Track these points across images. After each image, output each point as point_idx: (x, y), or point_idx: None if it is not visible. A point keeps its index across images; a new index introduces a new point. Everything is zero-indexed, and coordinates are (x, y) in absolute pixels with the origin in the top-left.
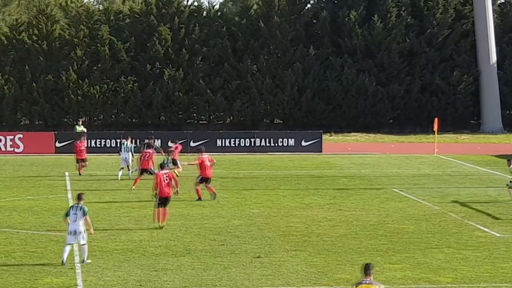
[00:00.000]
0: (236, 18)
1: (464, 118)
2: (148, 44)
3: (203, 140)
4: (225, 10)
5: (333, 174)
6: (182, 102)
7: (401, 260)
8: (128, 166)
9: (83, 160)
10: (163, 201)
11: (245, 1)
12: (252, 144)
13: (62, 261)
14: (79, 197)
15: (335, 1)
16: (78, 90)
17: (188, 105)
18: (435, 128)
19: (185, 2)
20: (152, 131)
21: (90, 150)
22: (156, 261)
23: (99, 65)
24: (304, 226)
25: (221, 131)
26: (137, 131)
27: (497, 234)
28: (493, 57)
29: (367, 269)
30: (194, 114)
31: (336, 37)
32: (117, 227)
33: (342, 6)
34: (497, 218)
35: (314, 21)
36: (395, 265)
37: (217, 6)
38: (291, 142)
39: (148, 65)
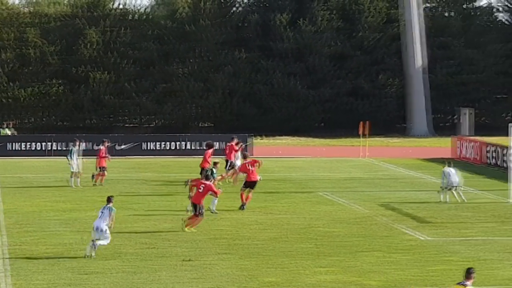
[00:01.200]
0: (164, 21)
1: (393, 122)
2: (77, 47)
3: (132, 143)
4: (153, 13)
5: (263, 177)
6: (111, 105)
7: (330, 264)
8: (78, 172)
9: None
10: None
11: (173, 4)
12: (182, 148)
13: (85, 255)
14: (109, 200)
15: (266, 4)
16: (7, 93)
17: (117, 108)
18: (360, 131)
19: (111, 5)
20: (84, 134)
21: (19, 153)
22: (86, 264)
23: (30, 68)
24: (234, 229)
25: (147, 135)
26: (66, 134)
27: (427, 238)
28: (422, 61)
29: (468, 272)
30: (125, 117)
31: (266, 41)
32: (47, 230)
33: (272, 10)
34: (427, 222)
35: (244, 24)
36: (324, 269)
37: (144, 10)
38: (221, 145)
39: (77, 67)
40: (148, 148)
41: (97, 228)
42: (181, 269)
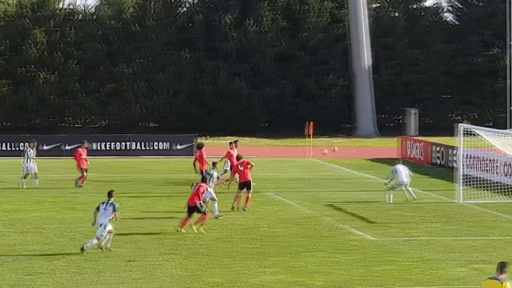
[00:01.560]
0: (111, 22)
1: (338, 122)
2: (22, 47)
3: (77, 144)
4: (100, 13)
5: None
6: (55, 105)
7: (274, 264)
8: (35, 173)
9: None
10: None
11: (120, 4)
12: (127, 148)
13: (82, 248)
14: (109, 194)
15: (210, 5)
16: None
17: (62, 108)
18: (306, 132)
19: (60, 5)
20: (27, 135)
21: None
22: (30, 265)
23: None
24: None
25: (93, 135)
26: (9, 134)
27: (370, 238)
28: (366, 61)
29: (501, 266)
30: (69, 118)
31: (210, 41)
32: None
33: (217, 10)
34: (370, 222)
35: (189, 24)
36: (268, 269)
37: (92, 10)
38: (165, 145)
39: (22, 68)
40: (93, 148)
41: (100, 225)
42: (125, 269)
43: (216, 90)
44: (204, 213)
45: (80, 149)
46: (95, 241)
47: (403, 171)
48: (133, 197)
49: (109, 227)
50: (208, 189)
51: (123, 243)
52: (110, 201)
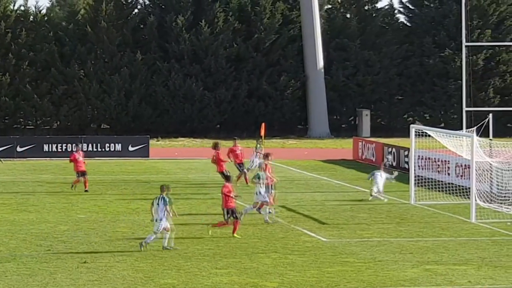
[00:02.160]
0: (63, 23)
1: (291, 123)
2: None
3: (30, 145)
4: (52, 14)
5: (160, 179)
6: (8, 107)
7: (227, 265)
8: None
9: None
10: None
11: (72, 6)
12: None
13: (141, 244)
14: (161, 189)
15: (163, 6)
16: None
17: (15, 110)
18: (262, 133)
19: (11, 7)
20: None
21: None
22: None
23: None
24: (131, 231)
25: (48, 136)
26: None
27: (324, 239)
28: (320, 63)
29: None
30: (21, 119)
31: (163, 42)
32: None
33: (170, 11)
34: (323, 223)
35: (142, 26)
36: (221, 270)
37: (44, 11)
38: (118, 147)
39: None
40: (46, 150)
41: (156, 220)
42: (78, 271)
43: (169, 92)
44: (237, 218)
45: (75, 153)
46: (153, 236)
47: (380, 176)
48: (86, 198)
49: (164, 223)
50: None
51: (76, 244)
52: (162, 196)
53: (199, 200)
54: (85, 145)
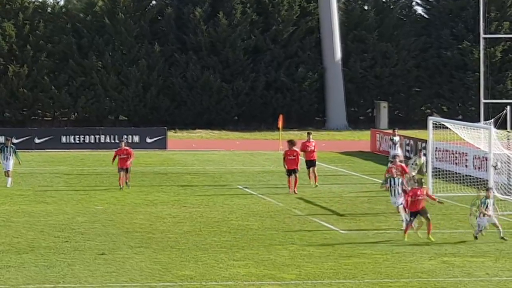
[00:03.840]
0: (81, 15)
1: (309, 115)
2: None
3: (48, 136)
4: (70, 6)
5: (177, 170)
6: (26, 99)
7: (245, 257)
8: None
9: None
10: None
11: None
12: (97, 141)
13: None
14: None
15: None
16: None
17: (33, 101)
18: (280, 125)
19: None
20: None
21: None
22: None
23: None
24: (148, 223)
25: (66, 128)
26: None
27: (341, 231)
28: (338, 54)
29: None
30: (39, 111)
31: (181, 34)
32: None
33: (187, 3)
34: (341, 215)
35: (159, 17)
36: (239, 262)
37: (61, 2)
38: (136, 138)
39: None
40: (65, 141)
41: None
42: (95, 263)
43: (186, 83)
44: (429, 219)
45: (122, 147)
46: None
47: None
48: (104, 190)
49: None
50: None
51: (93, 236)
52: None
53: (217, 192)
54: (102, 137)
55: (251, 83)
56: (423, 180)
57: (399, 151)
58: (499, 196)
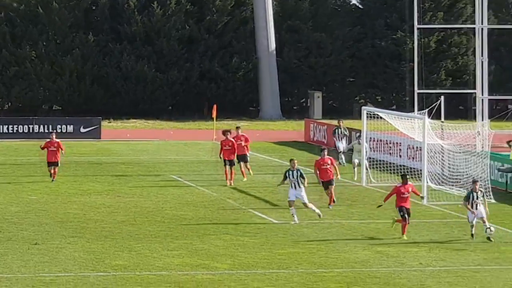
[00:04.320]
0: (14, 4)
1: (243, 105)
2: None
3: None
4: None
5: (111, 160)
6: None
7: (179, 247)
8: None
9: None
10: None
11: None
12: (31, 131)
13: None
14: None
15: None
16: None
17: None
18: (214, 115)
19: None
20: None
21: None
22: None
23: None
24: (82, 212)
25: None
26: None
27: (275, 221)
28: (272, 44)
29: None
30: None
31: (115, 24)
32: None
33: None
34: (275, 205)
35: (94, 7)
36: (173, 252)
37: None
38: (70, 128)
39: None
40: None
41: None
42: (29, 252)
43: (121, 73)
44: (408, 221)
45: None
46: None
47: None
48: (37, 180)
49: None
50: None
51: (27, 225)
52: None
53: (151, 181)
54: (36, 127)
55: (186, 73)
56: (407, 176)
57: (343, 143)
58: (433, 186)
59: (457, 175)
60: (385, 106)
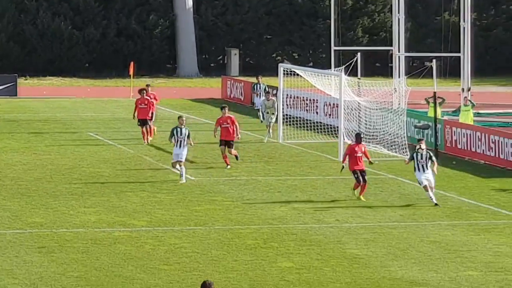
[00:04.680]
0: None
1: (160, 62)
2: None
3: None
4: None
5: (28, 118)
6: None
7: (96, 204)
8: None
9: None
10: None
11: None
12: None
13: None
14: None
15: None
16: None
17: None
18: (131, 72)
19: None
20: None
21: None
22: None
23: None
24: None
25: None
26: None
27: (192, 178)
28: (189, 2)
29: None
30: None
31: None
32: None
33: None
34: (191, 162)
35: None
36: (90, 209)
37: None
38: None
39: None
40: None
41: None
42: None
43: (37, 30)
44: (365, 181)
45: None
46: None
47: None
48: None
49: None
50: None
51: None
52: None
53: (68, 139)
54: None
55: (102, 30)
56: (361, 136)
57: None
58: (350, 142)
59: (373, 132)
60: (302, 63)
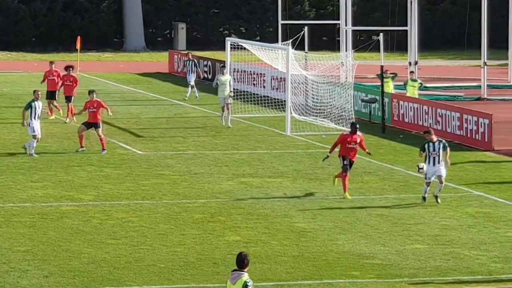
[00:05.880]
0: None
1: (107, 37)
2: None
3: None
4: None
5: None
6: None
7: (43, 178)
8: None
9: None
10: None
11: None
12: None
13: None
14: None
15: None
16: None
17: None
18: (78, 46)
19: None
20: None
21: None
22: None
23: None
24: None
25: None
26: None
27: (139, 152)
28: None
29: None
30: None
31: None
32: None
33: None
34: (139, 136)
35: None
36: (37, 183)
37: None
38: None
39: None
40: None
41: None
42: None
43: None
44: (347, 171)
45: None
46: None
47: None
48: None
49: None
50: None
51: None
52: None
53: (14, 113)
54: None
55: (49, 4)
56: (357, 126)
57: (194, 76)
58: (297, 116)
59: (321, 106)
60: (249, 37)
